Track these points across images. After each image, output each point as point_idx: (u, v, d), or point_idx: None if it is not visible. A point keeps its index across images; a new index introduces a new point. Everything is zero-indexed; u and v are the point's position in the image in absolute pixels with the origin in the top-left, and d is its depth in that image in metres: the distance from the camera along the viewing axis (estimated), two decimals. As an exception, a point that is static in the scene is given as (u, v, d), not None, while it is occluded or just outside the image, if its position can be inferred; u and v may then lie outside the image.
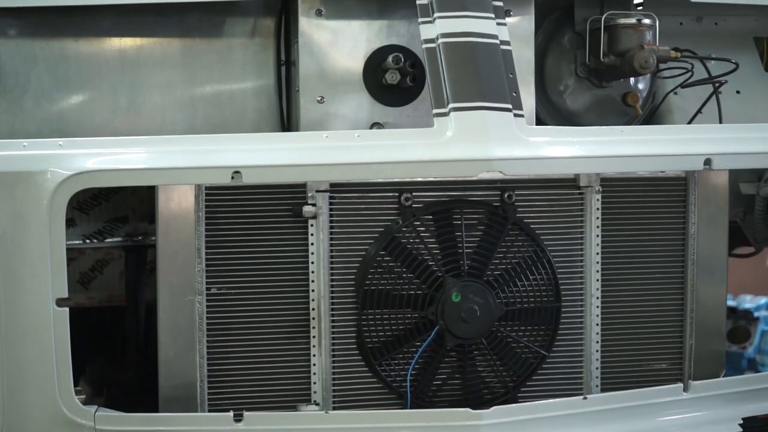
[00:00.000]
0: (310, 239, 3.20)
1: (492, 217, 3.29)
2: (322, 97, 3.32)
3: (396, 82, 3.31)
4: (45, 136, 3.18)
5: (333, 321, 3.24)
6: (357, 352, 3.27)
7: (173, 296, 3.16)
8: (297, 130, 3.36)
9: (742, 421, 3.36)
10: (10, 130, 3.31)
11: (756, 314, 5.92)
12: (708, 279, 3.51)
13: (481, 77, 3.04)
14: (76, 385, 2.99)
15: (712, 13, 3.83)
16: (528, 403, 3.26)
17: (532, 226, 3.32)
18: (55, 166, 2.86)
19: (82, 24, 3.36)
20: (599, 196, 3.36)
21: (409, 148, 3.01)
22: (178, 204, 3.14)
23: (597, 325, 3.41)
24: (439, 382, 3.33)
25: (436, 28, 3.08)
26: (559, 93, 3.62)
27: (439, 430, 3.10)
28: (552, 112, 3.62)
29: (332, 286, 3.23)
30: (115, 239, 3.56)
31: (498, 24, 3.12)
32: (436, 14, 3.10)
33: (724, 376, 3.53)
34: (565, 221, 3.36)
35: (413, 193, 3.24)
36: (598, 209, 3.37)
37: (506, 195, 3.29)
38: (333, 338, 3.25)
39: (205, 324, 3.18)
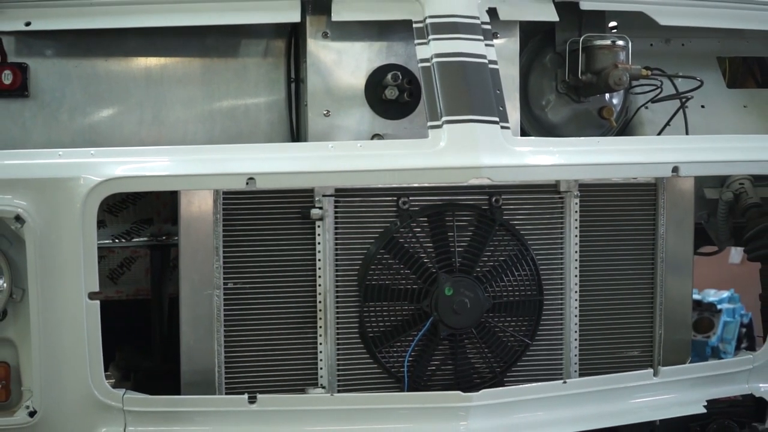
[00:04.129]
0: (317, 239, 3.20)
1: (481, 219, 3.29)
2: (328, 111, 3.32)
3: (394, 98, 3.31)
4: (78, 146, 3.19)
5: (338, 313, 3.24)
6: (359, 340, 3.27)
7: (194, 290, 3.16)
8: (305, 140, 3.36)
9: (706, 403, 3.37)
10: (47, 140, 3.31)
11: (719, 307, 5.91)
12: (675, 275, 3.50)
13: (471, 93, 3.04)
14: (106, 370, 3.00)
15: (680, 35, 3.84)
16: (513, 386, 3.26)
17: (517, 227, 3.32)
18: (88, 173, 2.87)
19: (112, 45, 3.36)
20: (577, 200, 3.36)
21: (406, 157, 3.01)
22: (198, 207, 3.14)
23: (575, 316, 3.41)
24: (434, 368, 3.33)
25: (431, 49, 3.09)
26: (542, 107, 3.62)
27: (433, 410, 3.11)
28: (535, 125, 3.62)
29: (337, 281, 3.23)
30: (141, 239, 3.56)
31: (486, 45, 3.12)
32: (431, 36, 3.10)
33: (690, 363, 3.53)
34: (547, 223, 3.37)
35: (410, 198, 3.24)
36: (576, 212, 3.37)
37: (494, 199, 3.29)
38: (338, 328, 3.25)
39: (223, 315, 3.18)
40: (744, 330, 5.97)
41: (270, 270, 3.20)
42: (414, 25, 3.16)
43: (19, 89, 3.30)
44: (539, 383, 3.26)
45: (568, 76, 3.52)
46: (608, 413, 3.26)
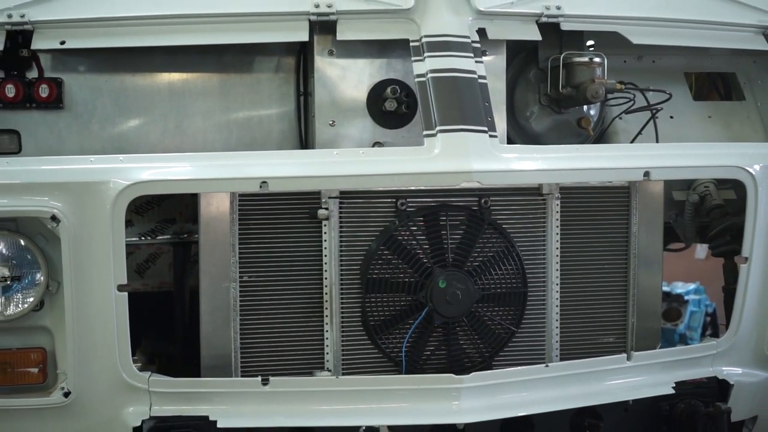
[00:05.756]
0: (324, 237, 3.20)
1: (471, 218, 3.29)
2: (334, 121, 3.32)
3: (393, 109, 3.31)
4: (108, 153, 3.19)
5: (342, 303, 3.24)
6: (362, 328, 3.27)
7: (212, 283, 3.16)
8: (313, 148, 3.35)
9: (674, 385, 3.36)
10: (80, 148, 3.31)
11: (686, 298, 5.92)
12: (646, 269, 3.50)
13: (462, 105, 3.04)
14: (133, 355, 3.00)
15: (651, 53, 3.84)
16: (500, 369, 3.26)
17: (503, 226, 3.32)
18: (117, 178, 2.87)
19: (138, 62, 3.36)
20: (558, 202, 3.36)
21: (404, 163, 3.01)
22: (216, 208, 3.14)
23: (556, 306, 3.41)
24: (429, 353, 3.33)
25: (426, 66, 3.09)
26: (526, 118, 3.61)
27: (428, 391, 3.11)
28: (520, 133, 3.61)
29: (341, 274, 3.23)
30: (165, 237, 3.55)
31: (476, 62, 3.12)
32: (426, 54, 3.10)
33: (659, 349, 3.53)
34: (531, 222, 3.36)
35: (407, 199, 3.24)
36: (557, 212, 3.37)
37: (483, 201, 3.29)
38: (342, 317, 3.25)
39: (238, 305, 3.18)
40: (708, 319, 5.98)
41: (281, 265, 3.20)
42: (411, 44, 3.16)
43: (55, 102, 3.30)
44: (524, 367, 3.26)
45: (549, 89, 3.52)
46: (586, 394, 3.26)
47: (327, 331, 3.24)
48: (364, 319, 3.26)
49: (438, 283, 3.20)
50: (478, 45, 3.17)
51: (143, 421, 2.99)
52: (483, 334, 3.35)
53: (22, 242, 2.94)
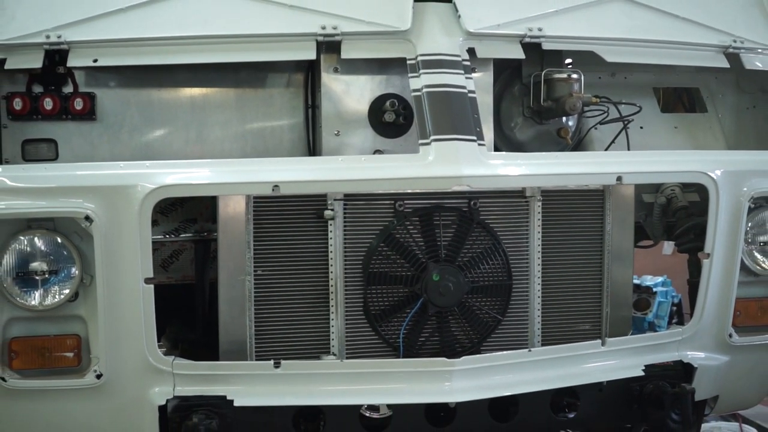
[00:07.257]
0: (329, 235, 3.21)
1: (462, 218, 3.30)
2: (338, 131, 3.33)
3: (392, 120, 3.32)
4: (136, 160, 3.20)
5: (346, 294, 3.25)
6: (364, 317, 3.28)
7: (230, 276, 3.17)
8: (320, 155, 3.36)
9: (644, 367, 3.37)
10: (110, 155, 3.32)
11: (654, 289, 5.91)
12: (619, 264, 3.51)
13: (454, 117, 3.05)
14: (158, 341, 3.01)
15: (623, 70, 3.84)
16: (488, 354, 3.27)
17: (491, 225, 3.33)
18: (144, 182, 2.88)
19: (163, 78, 3.37)
20: (540, 204, 3.37)
21: (401, 169, 3.02)
22: (233, 209, 3.15)
23: (538, 297, 3.41)
24: (423, 339, 3.34)
25: (422, 81, 3.10)
26: (511, 128, 3.62)
27: (423, 373, 3.12)
28: (505, 142, 3.61)
29: (345, 269, 3.23)
30: (187, 235, 3.55)
31: (466, 78, 3.13)
32: (422, 71, 3.11)
33: (630, 335, 3.54)
34: (515, 222, 3.37)
35: (405, 201, 3.24)
36: (539, 213, 3.37)
37: (472, 202, 3.29)
38: (346, 307, 3.26)
39: (253, 296, 3.18)
40: (675, 308, 5.96)
41: (291, 260, 3.21)
42: (408, 62, 3.17)
43: (88, 114, 3.31)
44: (509, 351, 3.27)
45: (532, 102, 3.52)
46: (565, 375, 3.27)
47: (332, 319, 3.25)
48: (366, 309, 3.27)
49: (432, 277, 3.21)
50: (468, 63, 3.18)
51: (168, 401, 3.00)
52: (472, 322, 3.35)
53: (59, 240, 2.95)
